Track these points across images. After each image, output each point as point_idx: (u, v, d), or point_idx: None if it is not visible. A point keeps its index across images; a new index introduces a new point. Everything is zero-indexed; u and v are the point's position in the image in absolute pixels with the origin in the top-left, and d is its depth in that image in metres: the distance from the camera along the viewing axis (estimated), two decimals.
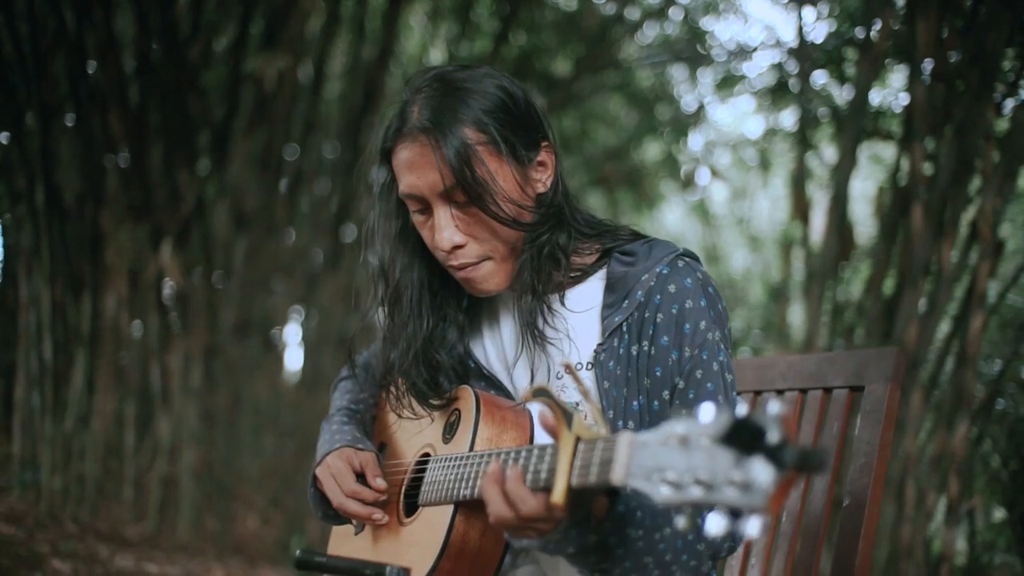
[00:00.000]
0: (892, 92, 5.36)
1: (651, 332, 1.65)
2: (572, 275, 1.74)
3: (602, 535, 1.44)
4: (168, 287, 5.06)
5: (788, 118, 6.67)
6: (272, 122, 5.39)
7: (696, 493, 1.09)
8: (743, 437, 1.07)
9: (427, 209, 1.71)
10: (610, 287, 1.72)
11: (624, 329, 1.67)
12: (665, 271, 1.68)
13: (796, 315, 6.46)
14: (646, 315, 1.66)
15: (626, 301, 1.68)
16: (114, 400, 4.86)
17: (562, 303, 1.73)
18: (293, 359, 6.20)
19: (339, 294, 5.70)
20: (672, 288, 1.66)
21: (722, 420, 1.09)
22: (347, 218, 5.83)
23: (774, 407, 1.07)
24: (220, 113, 5.27)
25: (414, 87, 1.73)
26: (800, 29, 5.11)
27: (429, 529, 1.68)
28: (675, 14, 6.63)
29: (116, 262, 4.78)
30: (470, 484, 1.60)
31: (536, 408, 1.56)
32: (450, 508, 1.64)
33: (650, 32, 6.88)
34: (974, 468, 4.36)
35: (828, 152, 6.13)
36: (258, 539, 5.50)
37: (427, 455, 1.80)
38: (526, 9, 6.02)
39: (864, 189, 5.60)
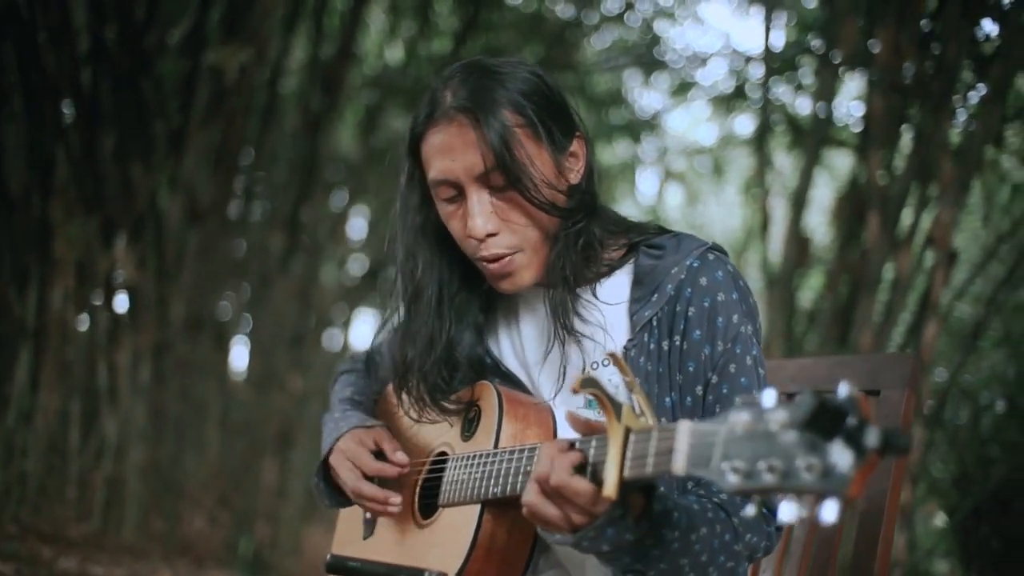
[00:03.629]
0: (846, 101, 5.45)
1: (683, 326, 1.61)
2: (601, 269, 1.70)
3: (638, 534, 1.39)
4: (118, 282, 4.93)
5: (743, 125, 6.75)
6: (229, 116, 5.28)
7: (769, 479, 1.04)
8: (823, 421, 1.02)
9: (458, 197, 1.65)
10: (638, 281, 1.68)
11: (654, 324, 1.63)
12: (696, 264, 1.64)
13: None
14: (677, 309, 1.62)
15: (655, 295, 1.64)
16: (59, 397, 4.71)
17: (594, 295, 1.68)
18: (243, 358, 6.09)
19: (293, 293, 5.62)
20: (704, 281, 1.62)
21: (800, 405, 1.04)
22: (302, 216, 5.75)
23: (844, 388, 1.02)
24: (175, 104, 5.15)
25: (444, 76, 1.69)
26: (766, 35, 5.18)
27: (453, 530, 1.63)
28: (633, 20, 6.67)
29: (64, 254, 4.63)
30: (500, 482, 1.55)
31: (562, 410, 1.52)
32: (476, 508, 1.59)
33: (608, 36, 6.91)
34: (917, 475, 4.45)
35: (781, 160, 6.20)
36: (205, 540, 5.40)
37: (443, 454, 1.75)
38: (486, 10, 6.01)
39: (819, 197, 5.69)
